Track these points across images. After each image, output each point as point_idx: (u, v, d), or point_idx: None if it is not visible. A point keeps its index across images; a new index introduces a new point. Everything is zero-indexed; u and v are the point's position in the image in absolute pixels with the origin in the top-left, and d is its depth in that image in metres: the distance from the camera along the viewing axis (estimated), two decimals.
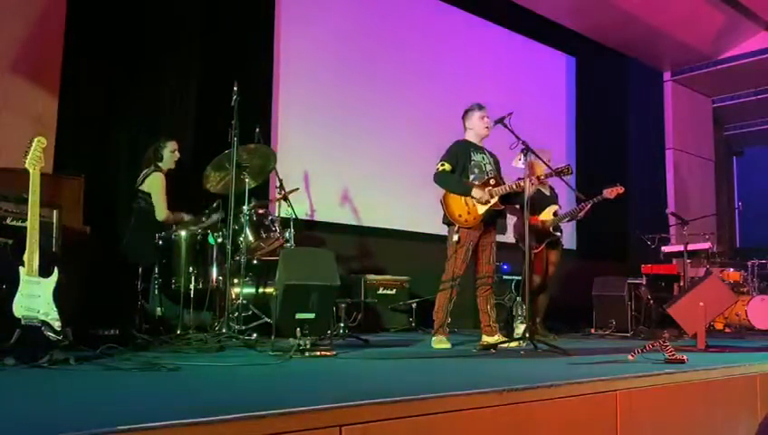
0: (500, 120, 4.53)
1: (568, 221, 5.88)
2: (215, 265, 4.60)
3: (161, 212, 4.76)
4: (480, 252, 4.73)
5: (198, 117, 5.76)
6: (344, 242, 6.57)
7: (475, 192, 4.60)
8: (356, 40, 7.06)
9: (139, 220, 4.75)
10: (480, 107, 4.86)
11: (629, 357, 3.51)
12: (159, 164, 4.88)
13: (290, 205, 5.19)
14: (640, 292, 6.63)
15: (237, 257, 4.52)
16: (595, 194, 5.55)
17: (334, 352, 3.72)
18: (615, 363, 3.43)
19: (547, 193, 5.85)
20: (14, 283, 2.86)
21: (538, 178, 4.79)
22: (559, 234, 5.75)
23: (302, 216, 5.72)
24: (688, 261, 7.02)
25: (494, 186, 4.66)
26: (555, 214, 5.73)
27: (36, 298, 2.90)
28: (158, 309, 4.61)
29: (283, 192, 5.21)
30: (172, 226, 4.72)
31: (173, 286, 4.52)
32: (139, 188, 4.80)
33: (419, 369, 3.27)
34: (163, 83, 5.61)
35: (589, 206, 5.65)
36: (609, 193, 5.49)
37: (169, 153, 4.92)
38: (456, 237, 4.60)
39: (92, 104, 5.19)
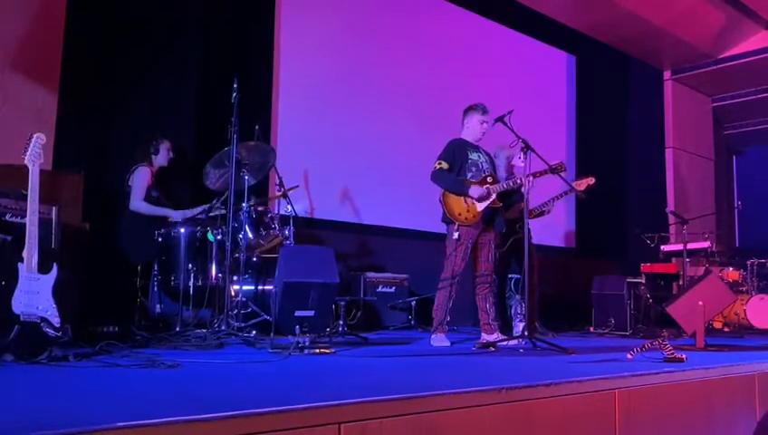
0: (500, 119, 4.52)
1: (537, 217, 5.71)
2: (214, 263, 4.60)
3: (134, 201, 4.73)
4: (479, 250, 4.74)
5: (198, 113, 5.75)
6: (344, 240, 6.56)
7: (473, 190, 4.61)
8: (356, 37, 7.05)
9: (135, 216, 4.75)
10: (484, 111, 4.80)
11: (628, 356, 3.52)
12: (153, 158, 4.88)
13: (289, 202, 5.19)
14: (639, 290, 6.62)
15: (237, 255, 4.52)
16: (565, 189, 5.43)
17: (333, 350, 3.72)
18: (614, 362, 3.43)
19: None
20: (13, 279, 2.86)
21: (534, 175, 4.78)
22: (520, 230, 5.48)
23: (301, 213, 5.71)
24: (688, 260, 7.02)
25: (490, 184, 4.67)
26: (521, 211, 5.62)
27: (35, 295, 2.90)
28: (158, 306, 4.61)
29: (282, 189, 5.21)
30: (169, 221, 4.71)
31: (172, 283, 4.52)
32: (129, 184, 4.80)
33: (418, 367, 3.28)
34: (163, 80, 5.59)
35: (554, 199, 5.66)
36: (579, 185, 5.34)
37: (165, 150, 4.93)
38: (456, 235, 4.61)
39: (92, 101, 5.18)
